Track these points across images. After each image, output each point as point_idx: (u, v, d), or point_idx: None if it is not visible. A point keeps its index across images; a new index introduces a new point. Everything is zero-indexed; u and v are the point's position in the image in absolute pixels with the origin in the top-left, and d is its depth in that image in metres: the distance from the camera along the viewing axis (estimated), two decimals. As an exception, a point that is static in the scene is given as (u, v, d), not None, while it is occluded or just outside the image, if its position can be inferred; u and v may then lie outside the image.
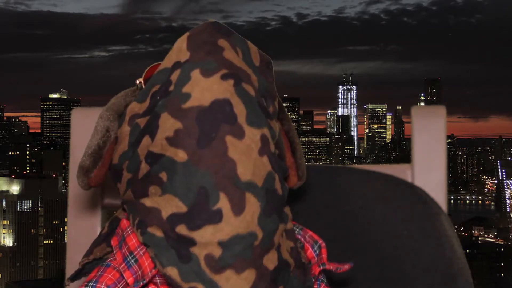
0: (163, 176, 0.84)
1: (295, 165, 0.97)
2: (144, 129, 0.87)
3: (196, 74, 0.82)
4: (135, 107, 0.89)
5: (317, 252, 0.97)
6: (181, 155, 0.82)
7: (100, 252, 0.93)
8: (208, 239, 0.82)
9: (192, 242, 0.82)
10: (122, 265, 0.87)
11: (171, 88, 0.84)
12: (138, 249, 0.87)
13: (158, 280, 0.88)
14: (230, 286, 0.82)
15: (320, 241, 0.97)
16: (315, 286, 0.97)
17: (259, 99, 0.86)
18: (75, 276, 0.94)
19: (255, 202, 0.83)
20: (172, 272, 0.83)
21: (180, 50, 0.86)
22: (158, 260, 0.84)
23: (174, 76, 0.84)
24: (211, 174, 0.82)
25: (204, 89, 0.82)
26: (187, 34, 0.86)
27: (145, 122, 0.87)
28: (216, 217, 0.81)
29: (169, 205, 0.83)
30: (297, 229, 0.98)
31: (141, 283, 0.85)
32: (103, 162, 0.91)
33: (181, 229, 0.82)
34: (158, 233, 0.84)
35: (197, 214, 0.82)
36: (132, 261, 0.86)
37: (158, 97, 0.85)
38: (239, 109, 0.82)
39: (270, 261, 0.85)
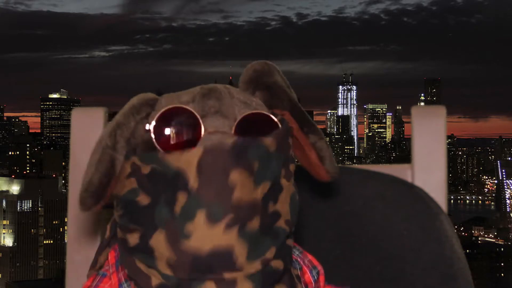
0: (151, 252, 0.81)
1: (324, 170, 0.93)
2: (138, 217, 0.82)
3: (201, 217, 0.77)
4: (137, 161, 0.82)
5: (315, 278, 0.95)
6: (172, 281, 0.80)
7: (104, 258, 0.92)
8: None
9: None
10: None
11: (177, 209, 0.78)
12: (131, 282, 0.86)
13: None
14: None
15: (319, 268, 0.96)
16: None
17: (264, 223, 0.80)
18: None
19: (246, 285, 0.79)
20: None
21: (189, 163, 0.77)
22: None
23: (181, 198, 0.78)
24: None
25: (205, 237, 0.77)
26: (200, 151, 0.76)
27: (143, 206, 0.81)
28: None
29: (157, 277, 0.81)
30: (297, 252, 0.96)
31: None
32: (105, 199, 0.85)
33: None
34: None
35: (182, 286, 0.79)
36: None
37: (163, 197, 0.79)
38: (240, 253, 0.78)
39: None
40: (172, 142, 0.82)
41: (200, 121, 0.81)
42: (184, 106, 0.83)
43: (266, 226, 0.80)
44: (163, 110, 0.84)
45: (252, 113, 0.84)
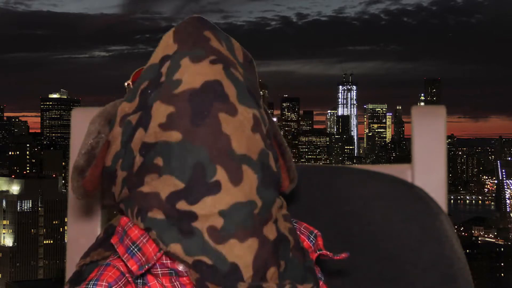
0: (159, 161, 0.84)
1: (286, 167, 0.97)
2: (136, 123, 0.88)
3: (185, 61, 0.85)
4: (125, 107, 0.90)
5: (313, 241, 0.97)
6: (175, 136, 0.84)
7: (97, 256, 0.94)
8: (208, 210, 0.83)
9: (193, 216, 0.83)
10: (125, 256, 0.87)
11: (162, 79, 0.86)
12: (141, 238, 0.87)
13: (159, 271, 0.88)
14: (235, 256, 0.83)
15: (316, 231, 0.98)
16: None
17: (248, 85, 0.88)
18: (75, 280, 0.94)
19: (252, 174, 0.84)
20: (176, 248, 0.83)
21: (167, 44, 0.88)
22: (161, 239, 0.84)
23: (164, 68, 0.86)
24: (206, 149, 0.83)
25: (195, 73, 0.84)
26: (172, 29, 0.89)
27: (137, 117, 0.88)
28: (215, 188, 0.82)
29: (166, 185, 0.84)
30: (292, 223, 0.97)
31: (146, 267, 0.86)
32: (96, 163, 0.91)
33: (181, 205, 0.83)
34: (159, 216, 0.85)
35: (195, 188, 0.83)
36: (136, 249, 0.87)
37: (149, 91, 0.87)
38: (230, 90, 0.85)
39: (270, 231, 0.86)
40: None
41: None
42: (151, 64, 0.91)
43: (248, 82, 0.89)
44: (138, 69, 0.96)
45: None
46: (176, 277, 0.88)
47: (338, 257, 0.97)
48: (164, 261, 0.87)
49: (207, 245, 0.83)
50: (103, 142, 0.92)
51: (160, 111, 0.84)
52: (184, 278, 0.87)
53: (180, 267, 0.87)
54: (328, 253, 0.97)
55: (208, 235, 0.83)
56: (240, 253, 0.83)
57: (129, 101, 0.90)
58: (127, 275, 0.88)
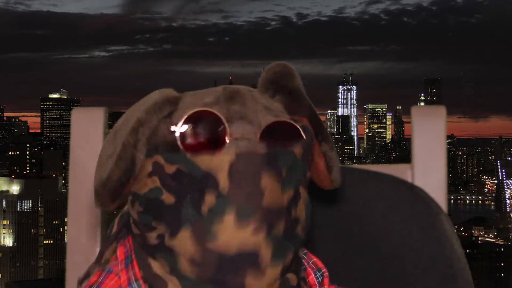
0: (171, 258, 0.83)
1: (329, 179, 0.94)
2: (163, 215, 0.82)
3: (230, 219, 0.79)
4: (160, 160, 0.83)
5: (320, 279, 0.95)
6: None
7: (109, 254, 0.92)
8: None
9: None
10: None
11: (204, 210, 0.80)
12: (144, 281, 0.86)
13: None
14: None
15: (324, 269, 0.96)
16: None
17: (287, 228, 0.83)
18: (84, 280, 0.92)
19: None
20: None
21: (219, 167, 0.79)
22: None
23: (209, 200, 0.79)
24: None
25: (233, 239, 0.79)
26: (232, 157, 0.79)
27: (169, 205, 0.82)
28: None
29: (174, 284, 0.83)
30: (302, 253, 0.96)
31: None
32: (121, 197, 0.86)
33: None
34: None
35: None
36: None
37: (189, 197, 0.81)
38: (266, 253, 0.80)
39: None
40: (197, 145, 0.82)
41: (226, 126, 0.82)
42: (211, 110, 0.83)
43: (289, 231, 0.83)
44: (189, 113, 0.83)
45: (277, 121, 0.85)
46: None
47: None
48: None
49: None
50: (135, 176, 0.85)
51: (186, 251, 0.80)
52: None
53: None
54: None
55: None
56: None
57: (170, 162, 0.82)
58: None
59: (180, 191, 0.81)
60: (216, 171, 0.79)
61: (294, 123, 0.86)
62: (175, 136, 0.83)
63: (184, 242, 0.80)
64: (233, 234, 0.79)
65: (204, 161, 0.79)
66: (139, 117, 0.84)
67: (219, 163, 0.79)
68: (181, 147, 0.82)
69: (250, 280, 0.79)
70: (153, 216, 0.83)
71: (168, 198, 0.81)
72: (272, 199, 0.80)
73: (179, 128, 0.83)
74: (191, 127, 0.83)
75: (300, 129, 0.86)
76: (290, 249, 0.83)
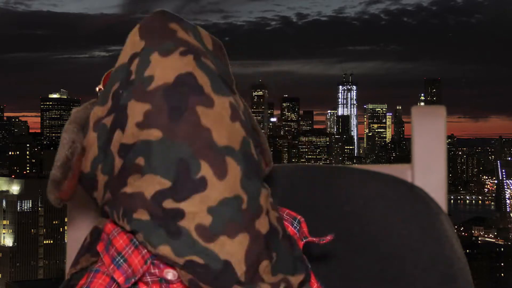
0: (140, 161, 0.83)
1: (262, 151, 0.95)
2: (112, 126, 0.86)
3: (155, 56, 0.83)
4: (97, 111, 0.89)
5: (297, 227, 0.96)
6: (155, 134, 0.82)
7: (85, 261, 0.92)
8: (197, 208, 0.81)
9: (180, 215, 0.82)
10: (111, 266, 0.86)
11: (133, 77, 0.84)
12: (127, 248, 0.86)
13: (149, 279, 0.87)
14: (226, 252, 0.82)
15: (299, 217, 0.97)
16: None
17: (220, 73, 0.87)
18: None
19: (235, 166, 0.83)
20: (165, 250, 0.82)
21: (133, 42, 0.86)
22: (148, 242, 0.83)
23: (134, 66, 0.85)
24: (188, 145, 0.82)
25: (166, 68, 0.83)
26: (137, 25, 0.87)
27: (111, 119, 0.86)
28: (201, 185, 0.81)
29: (151, 184, 0.82)
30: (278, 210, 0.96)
31: (132, 280, 0.84)
32: (72, 173, 0.90)
33: (168, 204, 0.82)
34: (144, 217, 0.83)
35: (182, 185, 0.81)
36: (121, 260, 0.86)
37: (121, 91, 0.85)
38: (204, 80, 0.83)
39: (262, 225, 0.85)
40: None
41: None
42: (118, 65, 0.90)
43: (220, 70, 0.88)
44: (108, 71, 0.94)
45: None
46: (166, 284, 0.86)
47: (323, 242, 0.96)
48: (152, 271, 0.86)
49: (197, 244, 0.82)
50: (78, 151, 0.90)
51: (136, 110, 0.83)
52: (174, 286, 0.86)
53: (169, 276, 0.86)
54: (314, 239, 0.96)
55: (197, 234, 0.82)
56: (232, 249, 0.82)
57: (102, 105, 0.88)
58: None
59: (115, 96, 0.87)
60: (131, 48, 0.88)
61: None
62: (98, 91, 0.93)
63: (133, 110, 0.84)
64: (163, 63, 0.83)
65: (121, 58, 0.90)
66: (74, 111, 0.95)
67: (131, 39, 0.88)
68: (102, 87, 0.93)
69: (199, 107, 0.82)
70: (108, 138, 0.88)
71: (108, 119, 0.88)
72: (186, 36, 0.86)
73: (102, 85, 0.93)
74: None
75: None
76: (229, 91, 0.86)
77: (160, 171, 0.82)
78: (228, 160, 0.83)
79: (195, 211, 0.81)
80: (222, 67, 0.90)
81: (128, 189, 0.84)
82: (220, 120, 0.83)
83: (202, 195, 0.81)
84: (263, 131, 0.96)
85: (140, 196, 0.83)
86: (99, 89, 0.93)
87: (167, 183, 0.82)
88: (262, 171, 0.91)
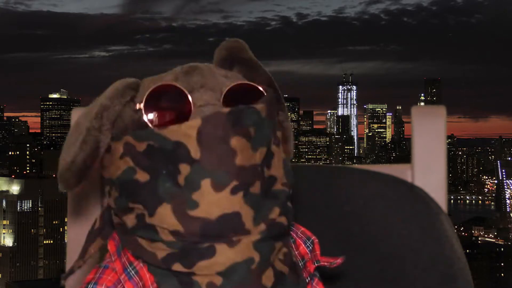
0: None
1: (286, 149, 0.94)
2: (139, 195, 0.83)
3: (206, 185, 0.80)
4: (130, 140, 0.83)
5: (310, 248, 0.96)
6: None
7: (94, 248, 0.92)
8: (206, 271, 0.82)
9: (191, 274, 0.82)
10: (123, 276, 0.86)
11: (180, 181, 0.80)
12: (138, 260, 0.86)
13: None
14: None
15: (313, 237, 0.97)
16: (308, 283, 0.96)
17: (264, 186, 0.83)
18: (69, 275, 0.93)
19: (253, 238, 0.82)
20: None
21: (188, 135, 0.80)
22: (160, 286, 0.84)
23: (183, 169, 0.80)
24: None
25: (213, 204, 0.80)
26: (198, 122, 0.80)
27: (143, 183, 0.82)
28: (209, 253, 0.81)
29: (161, 249, 0.83)
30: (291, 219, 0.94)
31: None
32: (85, 180, 0.87)
33: (177, 267, 0.82)
34: (157, 269, 0.84)
35: (189, 252, 0.81)
36: (133, 272, 0.85)
37: (164, 171, 0.81)
38: (247, 215, 0.81)
39: (268, 279, 0.84)
40: (163, 118, 0.84)
41: (189, 95, 0.84)
42: (171, 83, 0.85)
43: (266, 189, 0.83)
44: (151, 88, 0.85)
45: (238, 84, 0.87)
46: None
47: (334, 265, 0.96)
48: None
49: None
50: (100, 157, 0.86)
51: (168, 222, 0.81)
52: None
53: None
54: (326, 263, 0.95)
55: None
56: None
57: (140, 140, 0.82)
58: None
59: (153, 166, 0.81)
60: (185, 139, 0.79)
61: (253, 84, 0.88)
62: (141, 114, 0.84)
63: (165, 216, 0.81)
64: (211, 200, 0.79)
65: (172, 132, 0.80)
66: (102, 103, 0.86)
67: (186, 131, 0.79)
68: (148, 123, 0.84)
69: (236, 238, 0.81)
70: (129, 197, 0.83)
71: (142, 176, 0.82)
72: (244, 160, 0.80)
73: (143, 105, 0.85)
74: (155, 102, 0.84)
75: (260, 88, 0.88)
76: (272, 206, 0.84)
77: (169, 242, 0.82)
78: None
79: (204, 274, 0.82)
80: (271, 128, 0.85)
81: (142, 241, 0.84)
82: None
83: (210, 261, 0.81)
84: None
85: (152, 255, 0.83)
86: (139, 109, 0.86)
87: (175, 250, 0.82)
88: (286, 229, 0.88)
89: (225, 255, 0.81)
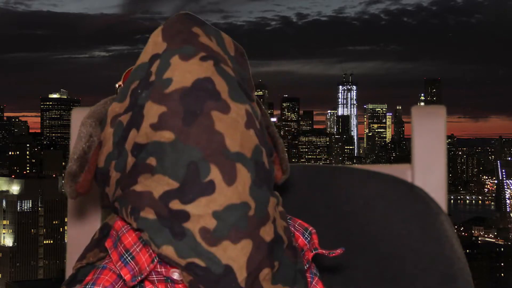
0: (152, 161, 0.84)
1: (279, 159, 0.97)
2: (128, 124, 0.87)
3: (175, 59, 0.84)
4: (115, 108, 0.90)
5: (308, 238, 0.96)
6: (167, 136, 0.83)
7: (93, 257, 0.92)
8: (202, 210, 0.82)
9: (186, 216, 0.82)
10: (119, 263, 0.86)
11: (152, 78, 0.85)
12: (135, 246, 0.87)
13: (155, 278, 0.88)
14: (228, 257, 0.82)
15: (310, 228, 0.97)
16: (308, 278, 0.97)
17: (239, 80, 0.87)
18: (71, 282, 0.92)
19: (246, 173, 0.83)
20: (168, 250, 0.83)
21: (155, 43, 0.87)
22: (153, 241, 0.84)
23: (154, 67, 0.85)
24: (200, 149, 0.82)
25: (185, 71, 0.83)
26: (160, 27, 0.88)
27: (128, 117, 0.87)
28: (209, 189, 0.82)
29: (160, 184, 0.83)
30: (287, 219, 0.97)
31: (138, 278, 0.85)
32: (89, 166, 0.91)
33: (174, 205, 0.82)
34: (151, 216, 0.84)
35: (189, 187, 0.82)
36: (129, 258, 0.86)
37: (139, 91, 0.86)
38: (221, 86, 0.84)
39: (267, 233, 0.85)
40: None
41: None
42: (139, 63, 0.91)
43: (240, 76, 0.89)
44: (129, 68, 0.94)
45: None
46: (172, 284, 0.87)
47: (333, 255, 0.96)
48: (159, 270, 0.87)
49: (199, 247, 0.82)
50: (95, 145, 0.91)
51: (152, 111, 0.84)
52: (180, 286, 0.87)
53: (175, 276, 0.86)
54: (324, 251, 0.96)
55: (200, 236, 0.82)
56: (233, 255, 0.82)
57: (120, 101, 0.89)
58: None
59: (132, 98, 0.88)
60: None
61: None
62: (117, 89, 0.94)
63: (148, 110, 0.85)
64: (182, 67, 0.84)
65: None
66: (91, 109, 0.95)
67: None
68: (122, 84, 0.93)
69: (214, 112, 0.83)
70: (123, 141, 0.88)
71: (124, 118, 0.89)
72: (207, 41, 0.87)
73: (119, 83, 0.94)
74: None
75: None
76: (246, 98, 0.86)
77: (170, 172, 0.83)
78: (238, 167, 0.83)
79: (200, 214, 0.82)
80: (242, 74, 0.90)
81: (138, 187, 0.85)
82: (234, 127, 0.84)
83: (209, 198, 0.82)
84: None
85: (148, 195, 0.83)
86: (119, 85, 0.94)
87: (175, 184, 0.82)
88: (273, 180, 0.91)
89: (224, 193, 0.82)
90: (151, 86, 0.85)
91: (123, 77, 0.94)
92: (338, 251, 0.96)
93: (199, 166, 0.82)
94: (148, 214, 0.84)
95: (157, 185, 0.83)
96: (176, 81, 0.83)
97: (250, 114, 0.86)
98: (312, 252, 0.95)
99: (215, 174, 0.82)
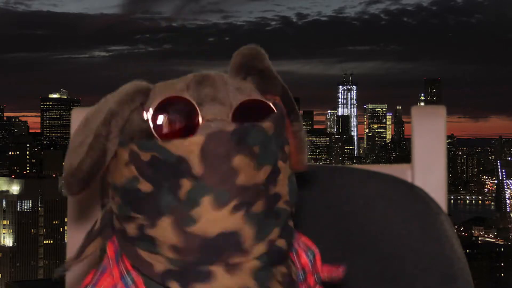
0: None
1: (298, 160, 0.93)
2: (141, 205, 0.82)
3: (206, 202, 0.79)
4: (135, 149, 0.82)
5: (311, 259, 0.96)
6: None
7: (94, 248, 0.91)
8: None
9: None
10: (120, 284, 0.86)
11: (181, 196, 0.79)
12: (135, 271, 0.86)
13: None
14: None
15: (313, 247, 0.97)
16: None
17: (267, 205, 0.82)
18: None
19: (252, 265, 0.82)
20: None
21: (191, 151, 0.78)
22: None
23: (185, 184, 0.79)
24: None
25: (212, 221, 0.79)
26: (202, 139, 0.78)
27: (146, 193, 0.81)
28: (207, 277, 0.80)
29: (160, 262, 0.82)
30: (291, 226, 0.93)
31: None
32: (90, 186, 0.86)
33: (173, 285, 0.81)
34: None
35: (188, 272, 0.81)
36: (130, 281, 0.85)
37: (166, 184, 0.80)
38: (247, 234, 0.80)
39: None
40: (170, 130, 0.83)
41: (198, 109, 0.83)
42: (181, 95, 0.84)
43: (269, 208, 0.82)
44: (160, 99, 0.84)
45: (248, 99, 0.85)
46: None
47: (335, 275, 0.96)
48: None
49: None
50: (106, 165, 0.85)
51: (167, 239, 0.80)
52: None
53: None
54: (326, 276, 0.96)
55: None
56: None
57: (145, 150, 0.81)
58: None
59: (156, 178, 0.80)
60: (188, 155, 0.78)
61: (264, 100, 0.87)
62: (148, 124, 0.83)
63: (164, 230, 0.80)
64: (211, 217, 0.79)
65: (176, 146, 0.79)
66: (111, 108, 0.84)
67: (190, 146, 0.78)
68: (154, 134, 0.83)
69: (235, 260, 0.80)
70: (131, 207, 0.82)
71: (145, 186, 0.81)
72: (247, 177, 0.80)
73: (151, 115, 0.83)
74: (163, 113, 0.83)
75: (271, 104, 0.86)
76: (273, 226, 0.83)
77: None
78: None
79: None
80: (280, 143, 0.85)
81: (141, 252, 0.83)
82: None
83: (206, 285, 0.80)
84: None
85: (150, 265, 0.83)
86: (149, 114, 0.84)
87: (176, 268, 0.81)
88: (286, 257, 0.88)
89: (222, 281, 0.80)
90: (176, 203, 0.79)
91: (157, 105, 0.84)
92: (340, 270, 0.96)
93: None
94: (149, 281, 0.84)
95: (157, 261, 0.82)
96: (200, 227, 0.79)
97: (269, 252, 0.83)
98: (314, 277, 0.95)
99: (216, 266, 0.81)
